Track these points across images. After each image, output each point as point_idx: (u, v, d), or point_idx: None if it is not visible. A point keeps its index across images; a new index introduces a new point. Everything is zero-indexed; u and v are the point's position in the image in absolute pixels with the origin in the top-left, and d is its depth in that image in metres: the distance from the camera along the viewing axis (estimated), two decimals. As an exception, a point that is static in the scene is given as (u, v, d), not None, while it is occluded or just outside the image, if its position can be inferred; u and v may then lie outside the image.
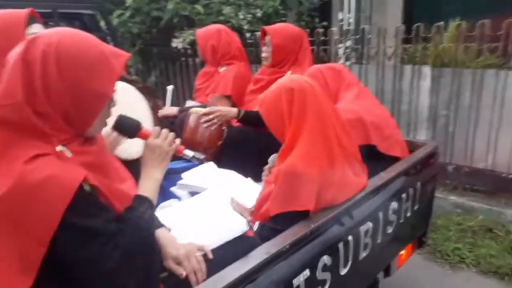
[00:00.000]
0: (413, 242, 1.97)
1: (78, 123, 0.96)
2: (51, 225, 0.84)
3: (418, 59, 3.45)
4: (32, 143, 0.89)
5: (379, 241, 1.52)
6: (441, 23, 3.28)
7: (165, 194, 1.78)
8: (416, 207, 1.79)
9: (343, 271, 1.33)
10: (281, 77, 1.80)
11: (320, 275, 1.22)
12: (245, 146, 2.13)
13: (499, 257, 2.56)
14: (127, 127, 1.19)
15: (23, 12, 1.30)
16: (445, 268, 2.57)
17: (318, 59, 3.67)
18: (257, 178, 1.79)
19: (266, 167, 1.61)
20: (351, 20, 5.01)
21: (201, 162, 1.35)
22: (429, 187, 1.92)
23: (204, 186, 1.75)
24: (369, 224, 1.44)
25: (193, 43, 4.22)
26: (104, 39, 1.70)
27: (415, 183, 1.75)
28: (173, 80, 4.90)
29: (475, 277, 2.47)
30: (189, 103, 2.62)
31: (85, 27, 2.89)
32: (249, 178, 1.87)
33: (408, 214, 1.73)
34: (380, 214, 1.51)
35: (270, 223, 1.34)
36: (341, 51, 3.90)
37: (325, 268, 1.24)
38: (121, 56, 1.00)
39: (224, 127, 2.22)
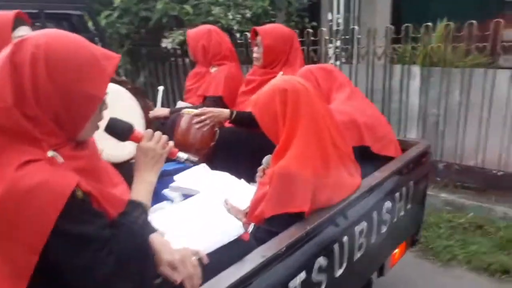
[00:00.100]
0: (406, 241, 1.98)
1: (70, 126, 0.94)
2: (43, 232, 0.82)
3: (408, 59, 3.49)
4: (22, 148, 0.86)
5: (373, 241, 1.52)
6: (430, 23, 3.31)
7: (157, 196, 1.75)
8: (409, 206, 1.80)
9: (339, 272, 1.33)
10: (273, 77, 1.79)
11: (316, 277, 1.22)
12: (237, 147, 2.12)
13: (490, 254, 2.59)
14: (119, 130, 1.17)
15: (10, 14, 1.27)
16: (437, 266, 2.60)
17: (308, 60, 3.68)
18: (250, 179, 1.78)
19: (260, 168, 1.60)
20: (340, 20, 5.04)
21: (194, 164, 1.34)
22: (421, 186, 1.93)
23: (197, 188, 1.73)
24: (364, 224, 1.44)
25: (182, 43, 4.20)
26: (92, 40, 1.67)
27: (408, 182, 1.76)
28: (162, 81, 4.87)
29: (467, 274, 2.50)
30: (180, 104, 2.60)
31: (73, 28, 2.84)
32: (242, 180, 1.86)
33: (402, 213, 1.74)
34: (375, 214, 1.51)
35: (265, 225, 1.33)
36: (331, 51, 3.92)
37: (321, 269, 1.23)
38: (112, 58, 0.98)
39: (216, 128, 2.20)
